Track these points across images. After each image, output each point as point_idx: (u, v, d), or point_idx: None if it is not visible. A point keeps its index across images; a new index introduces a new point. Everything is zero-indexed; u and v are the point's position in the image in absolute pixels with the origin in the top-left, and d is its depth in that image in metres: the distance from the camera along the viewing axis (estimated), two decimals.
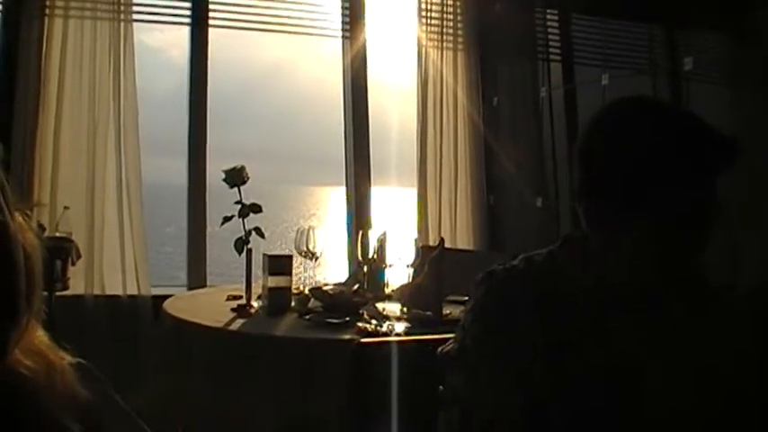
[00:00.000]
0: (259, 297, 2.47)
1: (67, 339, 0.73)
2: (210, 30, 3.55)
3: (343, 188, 3.90)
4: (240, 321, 2.28)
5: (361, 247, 2.69)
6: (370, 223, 3.75)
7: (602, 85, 3.50)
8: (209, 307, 2.46)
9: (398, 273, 2.57)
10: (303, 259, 2.62)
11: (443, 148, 3.82)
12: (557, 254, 1.18)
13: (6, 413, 0.63)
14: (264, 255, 2.44)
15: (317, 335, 2.14)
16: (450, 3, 3.85)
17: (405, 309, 2.35)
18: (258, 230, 2.61)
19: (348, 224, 3.80)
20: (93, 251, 3.19)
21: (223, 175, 2.63)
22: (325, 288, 2.50)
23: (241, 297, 2.51)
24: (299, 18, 3.67)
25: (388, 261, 2.61)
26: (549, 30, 3.97)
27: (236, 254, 2.59)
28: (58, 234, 2.90)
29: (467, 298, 1.23)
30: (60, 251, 2.84)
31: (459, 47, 3.86)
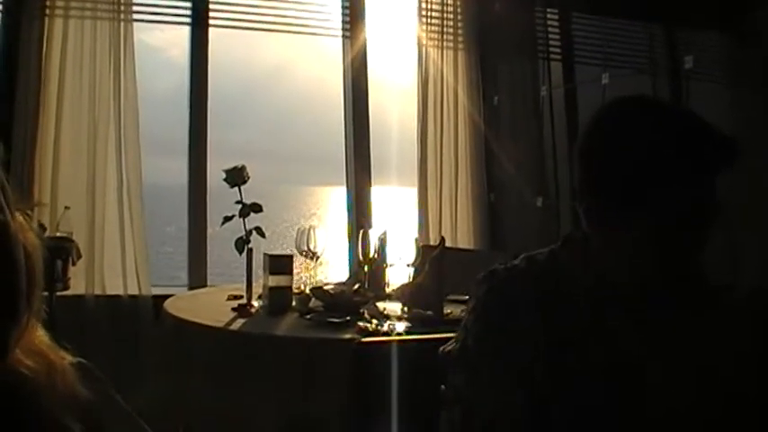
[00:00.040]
0: (260, 297, 2.48)
1: (68, 339, 0.73)
2: (211, 29, 3.55)
3: (344, 188, 3.90)
4: (241, 321, 2.28)
5: (362, 246, 2.68)
6: (371, 223, 3.75)
7: (602, 85, 3.50)
8: (209, 307, 2.47)
9: (399, 272, 2.57)
10: (304, 259, 2.62)
11: (444, 147, 3.82)
12: (558, 253, 1.18)
13: (7, 413, 0.63)
14: (265, 254, 2.44)
15: (317, 334, 2.14)
16: (450, 2, 3.85)
17: (405, 308, 2.35)
18: (259, 230, 2.61)
19: (349, 224, 3.81)
20: (94, 251, 3.19)
21: (224, 175, 2.63)
22: (325, 287, 2.50)
23: (242, 297, 2.51)
24: (300, 18, 3.67)
25: (388, 260, 2.61)
26: (550, 29, 3.97)
27: (237, 253, 2.59)
28: (58, 234, 2.91)
29: (467, 297, 1.23)
30: (61, 251, 2.84)
31: (460, 46, 3.86)
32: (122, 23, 3.27)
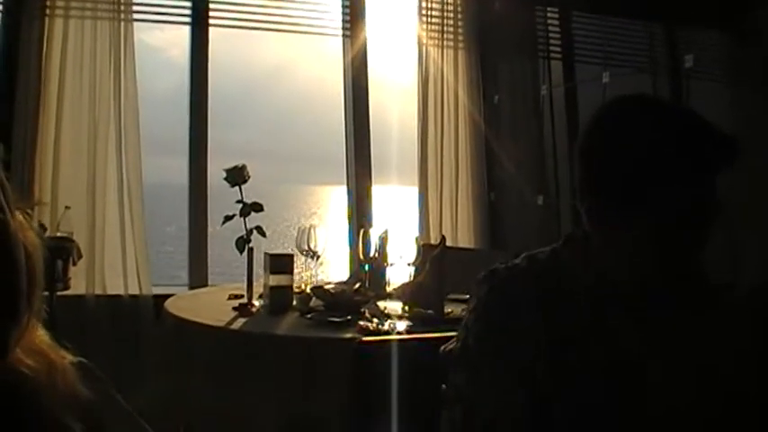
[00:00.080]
0: (260, 296, 2.47)
1: (69, 339, 0.73)
2: (211, 29, 3.55)
3: (344, 187, 3.90)
4: (241, 320, 2.27)
5: (363, 245, 2.68)
6: (372, 222, 3.75)
7: (602, 83, 3.50)
8: (210, 306, 2.46)
9: (400, 271, 2.57)
10: (304, 258, 2.62)
11: (444, 146, 3.82)
12: (560, 252, 1.18)
13: (7, 412, 0.62)
14: (266, 254, 2.44)
15: (318, 333, 2.14)
16: (450, 1, 3.85)
17: (406, 307, 2.35)
18: (259, 229, 2.61)
19: (349, 223, 3.81)
20: (95, 251, 3.19)
21: (224, 174, 2.63)
22: (326, 287, 2.50)
23: (242, 296, 2.51)
24: (300, 17, 3.68)
25: (389, 259, 2.61)
26: (550, 28, 3.97)
27: (238, 253, 2.59)
28: (59, 234, 2.91)
29: (468, 296, 1.23)
30: (61, 251, 2.84)
31: (460, 45, 3.86)
32: (122, 23, 3.27)
